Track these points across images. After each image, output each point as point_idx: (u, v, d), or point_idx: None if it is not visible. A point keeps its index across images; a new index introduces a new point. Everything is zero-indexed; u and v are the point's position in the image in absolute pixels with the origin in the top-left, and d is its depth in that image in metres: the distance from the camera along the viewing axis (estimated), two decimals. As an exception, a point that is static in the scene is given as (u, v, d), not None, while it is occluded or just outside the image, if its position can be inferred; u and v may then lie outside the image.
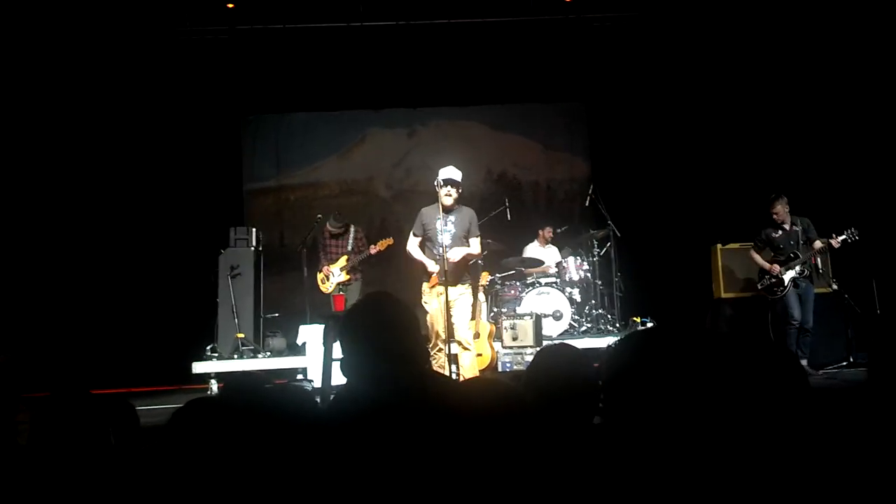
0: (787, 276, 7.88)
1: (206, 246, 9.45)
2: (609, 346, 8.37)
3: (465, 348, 6.67)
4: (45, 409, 2.22)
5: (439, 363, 6.62)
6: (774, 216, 7.95)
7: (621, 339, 1.58)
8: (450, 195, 6.61)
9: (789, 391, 1.41)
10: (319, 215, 9.67)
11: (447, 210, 6.63)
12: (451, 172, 6.67)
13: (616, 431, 1.46)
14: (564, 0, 10.36)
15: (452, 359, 6.55)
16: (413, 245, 6.90)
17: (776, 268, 7.95)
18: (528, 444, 1.56)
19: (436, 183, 6.68)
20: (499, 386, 1.76)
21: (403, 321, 2.42)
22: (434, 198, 6.78)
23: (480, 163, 11.63)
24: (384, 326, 2.37)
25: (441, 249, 6.56)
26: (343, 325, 2.45)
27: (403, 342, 2.37)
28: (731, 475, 1.34)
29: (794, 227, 7.94)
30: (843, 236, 7.70)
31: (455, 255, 6.55)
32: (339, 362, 2.48)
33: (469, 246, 6.76)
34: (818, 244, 7.81)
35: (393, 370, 2.31)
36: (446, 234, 6.62)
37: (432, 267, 6.68)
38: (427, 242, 6.80)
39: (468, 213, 6.84)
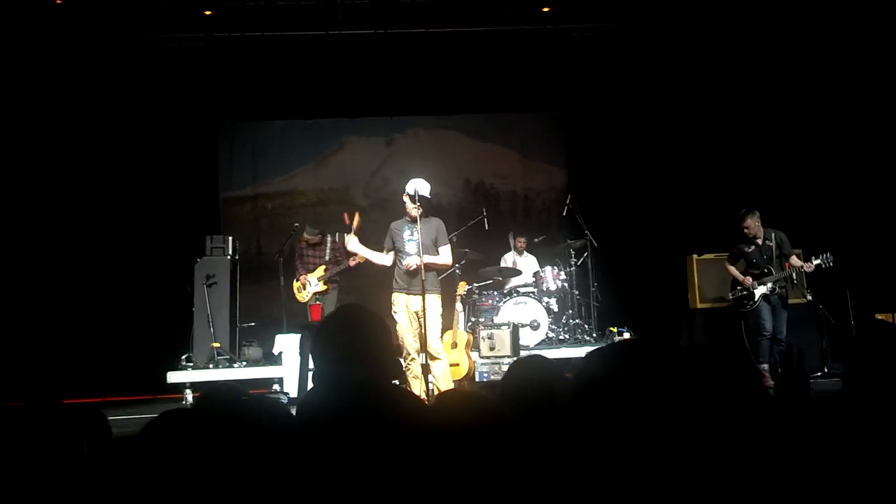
0: (758, 291, 7.87)
1: (181, 254, 9.37)
2: (581, 359, 8.36)
3: (435, 358, 6.66)
4: (17, 419, 2.19)
5: (413, 373, 6.61)
6: (746, 231, 7.93)
7: (590, 353, 1.59)
8: (417, 208, 6.60)
9: (750, 402, 1.42)
10: (296, 224, 9.63)
11: (413, 220, 6.64)
12: (420, 188, 6.64)
13: (583, 444, 1.46)
14: (542, 10, 10.40)
15: (425, 369, 6.55)
16: (377, 253, 6.94)
17: (748, 280, 7.94)
18: (506, 457, 1.56)
19: (405, 195, 6.69)
20: (475, 398, 1.76)
21: (375, 333, 2.43)
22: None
23: (458, 172, 11.64)
24: (355, 337, 2.38)
25: (410, 258, 6.59)
26: (315, 336, 2.46)
27: (374, 353, 2.38)
28: (696, 484, 1.34)
29: (768, 242, 7.91)
30: (818, 261, 7.71)
31: (412, 261, 6.56)
32: (312, 372, 2.49)
33: (438, 255, 6.76)
34: (795, 261, 7.85)
35: (361, 379, 2.31)
36: (412, 242, 6.64)
37: (411, 261, 6.66)
38: (398, 254, 6.81)
39: (435, 222, 6.85)
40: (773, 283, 7.85)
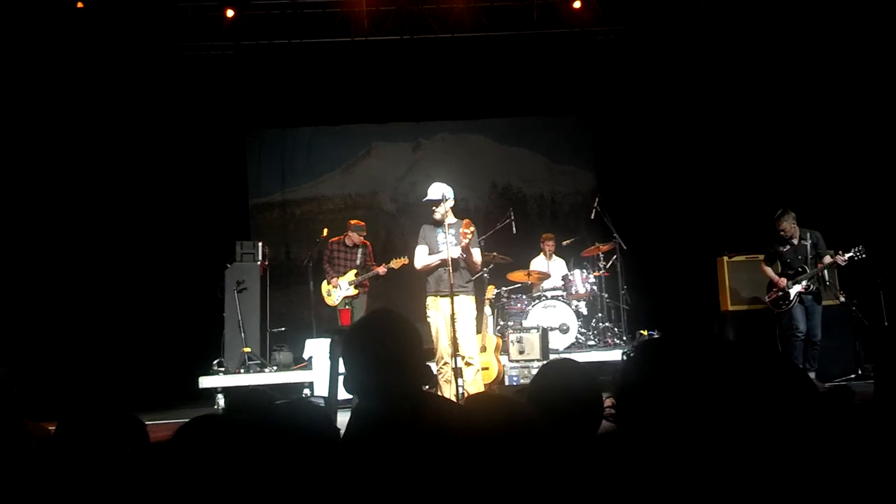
0: (793, 290, 7.84)
1: (212, 260, 9.46)
2: (623, 354, 8.31)
3: (469, 363, 6.64)
4: (65, 427, 2.22)
5: (445, 377, 6.59)
6: (782, 233, 7.90)
7: (635, 347, 1.58)
8: (439, 210, 6.60)
9: (801, 404, 1.40)
10: (326, 229, 9.65)
11: (443, 224, 6.62)
12: (435, 192, 6.63)
13: (629, 441, 1.45)
14: (573, 7, 10.34)
15: (457, 373, 6.53)
16: (422, 254, 6.85)
17: (783, 281, 7.90)
18: (537, 460, 1.56)
19: (425, 201, 6.70)
20: (505, 402, 1.76)
21: (406, 338, 2.43)
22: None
23: (485, 176, 11.65)
24: (386, 343, 2.38)
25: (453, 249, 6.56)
26: (346, 341, 2.46)
27: (405, 359, 2.38)
28: (745, 487, 1.33)
29: (803, 242, 7.87)
30: (850, 254, 7.67)
31: (455, 251, 6.51)
32: (342, 377, 2.49)
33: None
34: (827, 259, 7.79)
35: (393, 386, 2.32)
36: (447, 245, 6.62)
37: (451, 253, 6.53)
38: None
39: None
40: (807, 281, 7.80)
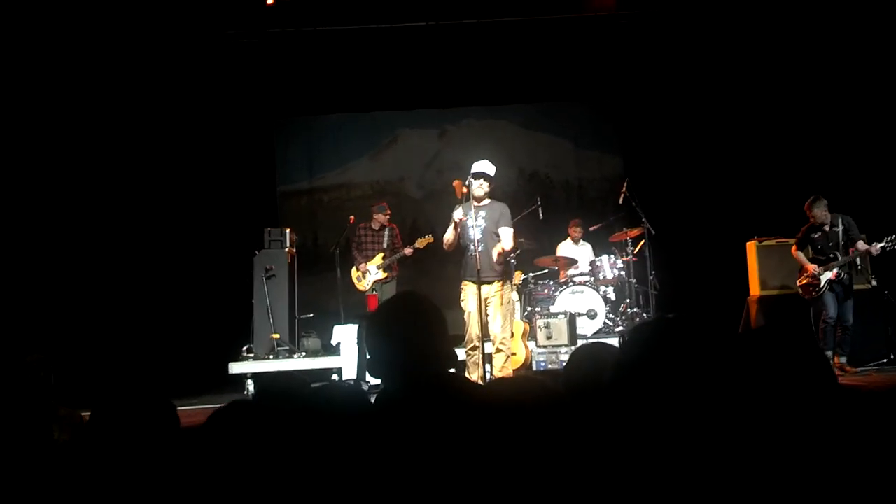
0: (824, 277, 7.78)
1: (241, 247, 9.54)
2: (622, 337, 8.31)
3: (499, 349, 6.65)
4: (101, 412, 2.24)
5: (474, 360, 6.62)
6: (812, 220, 7.85)
7: (632, 330, 1.59)
8: (480, 187, 6.65)
9: (810, 386, 1.39)
10: (352, 216, 9.72)
11: (478, 203, 6.65)
12: (481, 165, 6.74)
13: (626, 415, 1.45)
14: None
15: (487, 358, 6.56)
16: (448, 232, 6.93)
17: (813, 267, 7.86)
18: (562, 439, 1.55)
19: (469, 177, 6.75)
20: (527, 380, 1.75)
21: (429, 320, 2.41)
22: (466, 197, 6.83)
23: (512, 162, 11.60)
24: (409, 325, 2.36)
25: (473, 245, 6.59)
26: (369, 324, 2.44)
27: (428, 341, 2.36)
28: (743, 470, 1.33)
29: (835, 228, 7.80)
30: (882, 244, 7.60)
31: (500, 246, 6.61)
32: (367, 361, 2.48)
33: (500, 239, 6.75)
34: (861, 245, 7.69)
35: (416, 367, 2.31)
36: (477, 228, 6.65)
37: (458, 214, 6.75)
38: (461, 239, 6.83)
39: (499, 206, 6.87)
40: (839, 268, 7.73)
